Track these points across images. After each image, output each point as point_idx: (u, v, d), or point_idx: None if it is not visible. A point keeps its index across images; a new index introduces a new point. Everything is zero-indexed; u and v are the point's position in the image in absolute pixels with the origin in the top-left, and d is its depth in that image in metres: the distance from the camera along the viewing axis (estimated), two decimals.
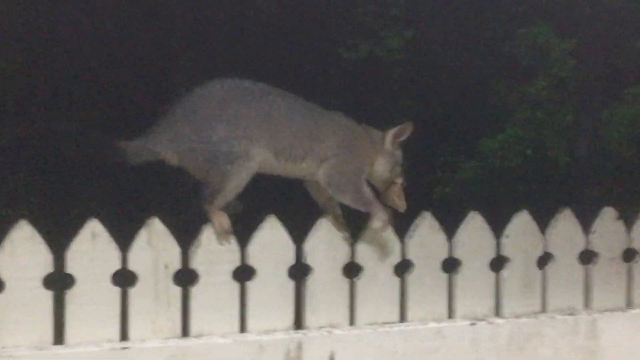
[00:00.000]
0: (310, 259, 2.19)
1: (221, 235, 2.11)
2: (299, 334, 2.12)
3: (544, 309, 2.44)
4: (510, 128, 8.81)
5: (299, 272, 2.19)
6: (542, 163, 8.75)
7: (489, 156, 8.80)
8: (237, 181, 2.12)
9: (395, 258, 2.28)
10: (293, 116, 2.20)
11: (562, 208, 2.48)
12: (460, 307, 2.34)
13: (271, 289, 2.14)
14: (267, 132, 2.15)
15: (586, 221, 2.54)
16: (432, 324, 2.26)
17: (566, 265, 2.46)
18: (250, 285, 2.13)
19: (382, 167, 2.28)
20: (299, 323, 2.17)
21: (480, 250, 2.37)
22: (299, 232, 2.24)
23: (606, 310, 2.46)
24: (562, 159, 8.61)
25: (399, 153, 2.32)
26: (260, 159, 2.14)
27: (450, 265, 2.35)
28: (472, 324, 2.29)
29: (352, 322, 2.23)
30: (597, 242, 2.50)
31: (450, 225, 2.40)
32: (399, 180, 2.30)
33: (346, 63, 8.91)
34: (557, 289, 2.45)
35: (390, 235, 2.26)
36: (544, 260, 2.46)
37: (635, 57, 9.68)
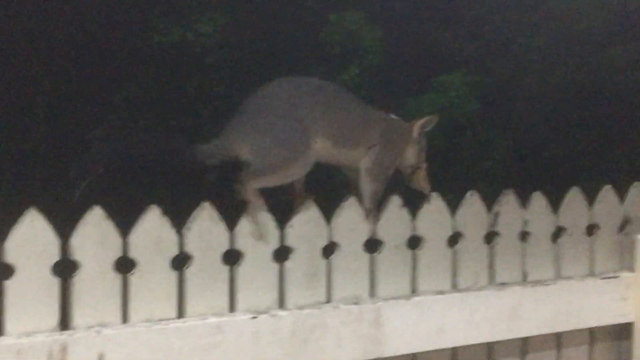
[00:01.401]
0: (78, 254, 2.04)
1: (251, 218, 2.25)
2: (63, 335, 1.97)
3: (329, 299, 2.40)
4: None
5: (66, 268, 2.04)
6: None
7: None
8: (288, 173, 2.29)
9: (173, 251, 2.17)
10: (347, 107, 2.42)
11: (347, 196, 2.45)
12: (242, 301, 2.26)
13: (33, 287, 1.98)
14: (327, 123, 2.34)
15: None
16: (212, 319, 2.17)
17: (351, 254, 2.44)
18: (9, 284, 1.96)
19: (410, 154, 2.58)
20: (65, 323, 2.03)
21: (263, 241, 2.30)
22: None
23: (391, 298, 2.45)
24: None
25: (424, 141, 2.61)
26: (319, 148, 2.34)
27: (232, 258, 2.27)
28: (254, 318, 2.21)
29: (125, 320, 2.10)
30: (383, 230, 2.49)
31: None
32: (424, 165, 2.60)
33: (158, 47, 8.70)
34: (343, 279, 2.42)
35: (166, 227, 2.15)
36: (330, 249, 2.42)
37: (444, 46, 10.03)
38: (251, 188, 2.24)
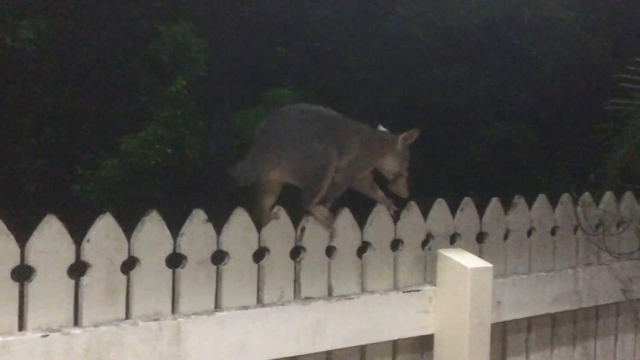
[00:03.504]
0: None
1: (325, 223, 2.69)
2: None
3: (128, 316, 2.34)
4: (151, 126, 8.75)
5: None
6: (182, 162, 8.78)
7: (129, 154, 8.66)
8: (327, 182, 2.67)
9: None
10: (345, 127, 2.78)
11: (149, 211, 2.40)
12: (33, 319, 2.17)
13: None
14: (335, 141, 2.71)
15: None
16: None
17: (153, 269, 2.38)
18: None
19: (393, 162, 2.89)
20: None
21: (57, 256, 2.21)
22: None
23: (193, 314, 2.42)
24: (200, 159, 8.71)
25: (407, 152, 2.92)
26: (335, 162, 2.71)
27: (22, 274, 2.17)
28: (45, 336, 2.12)
29: None
30: (186, 245, 2.45)
31: (83, 226, 2.28)
32: (405, 174, 2.91)
33: None
34: (143, 295, 2.36)
35: None
36: (130, 264, 2.36)
37: (275, 61, 10.10)
38: (312, 207, 2.66)
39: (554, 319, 3.34)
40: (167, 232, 2.42)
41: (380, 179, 2.95)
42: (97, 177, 8.59)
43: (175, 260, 2.45)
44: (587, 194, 3.44)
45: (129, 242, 2.35)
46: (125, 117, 8.74)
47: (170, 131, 8.53)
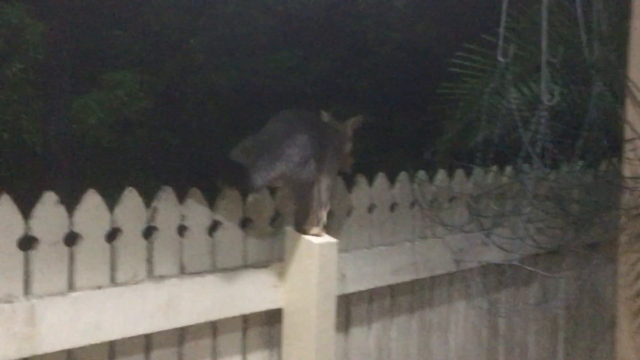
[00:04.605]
0: None
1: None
2: None
3: None
4: None
5: None
6: (19, 147, 8.53)
7: None
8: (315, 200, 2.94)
9: None
10: (322, 139, 2.96)
11: None
12: None
13: None
14: (318, 154, 2.91)
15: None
16: None
17: (4, 252, 2.38)
18: None
19: (346, 147, 3.17)
20: None
21: None
22: None
23: (47, 295, 2.43)
24: (38, 144, 8.49)
25: (352, 136, 3.21)
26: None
27: None
28: None
29: None
30: (37, 227, 2.46)
31: None
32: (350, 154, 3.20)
33: None
34: None
35: None
36: None
37: (114, 44, 9.95)
38: (309, 227, 2.98)
39: (393, 290, 3.54)
40: (18, 215, 2.41)
41: None
42: None
43: (27, 243, 2.46)
44: (422, 172, 3.65)
45: None
46: None
47: (6, 115, 8.25)
